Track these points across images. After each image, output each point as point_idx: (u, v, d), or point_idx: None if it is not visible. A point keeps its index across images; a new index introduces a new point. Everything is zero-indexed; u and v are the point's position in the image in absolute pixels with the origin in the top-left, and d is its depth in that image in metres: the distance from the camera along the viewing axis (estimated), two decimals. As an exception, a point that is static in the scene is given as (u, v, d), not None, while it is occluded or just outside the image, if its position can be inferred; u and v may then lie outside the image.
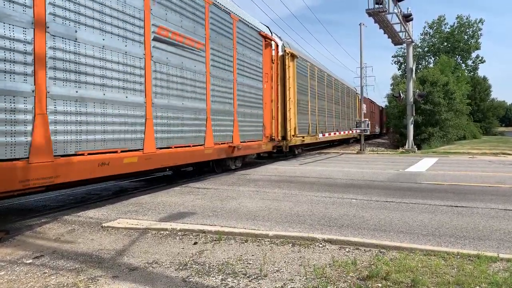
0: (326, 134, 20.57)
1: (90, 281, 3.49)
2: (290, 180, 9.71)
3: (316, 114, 19.23)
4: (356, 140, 31.08)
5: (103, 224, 5.40)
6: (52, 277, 3.59)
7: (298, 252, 4.23)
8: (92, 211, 6.28)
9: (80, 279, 3.53)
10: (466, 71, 49.83)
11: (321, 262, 3.90)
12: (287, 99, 14.93)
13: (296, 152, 18.11)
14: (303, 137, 16.71)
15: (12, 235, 4.98)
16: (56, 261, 4.01)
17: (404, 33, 21.41)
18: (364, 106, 31.01)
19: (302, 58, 17.20)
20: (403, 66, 50.62)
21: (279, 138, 14.41)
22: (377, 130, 37.89)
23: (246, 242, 4.60)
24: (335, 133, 22.29)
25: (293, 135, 15.37)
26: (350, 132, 26.74)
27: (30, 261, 4.05)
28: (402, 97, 22.96)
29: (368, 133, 24.36)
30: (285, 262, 3.92)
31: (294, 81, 15.53)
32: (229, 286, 3.36)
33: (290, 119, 15.07)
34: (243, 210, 6.22)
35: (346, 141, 30.31)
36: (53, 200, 7.76)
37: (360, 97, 27.72)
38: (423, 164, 13.96)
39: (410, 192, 7.91)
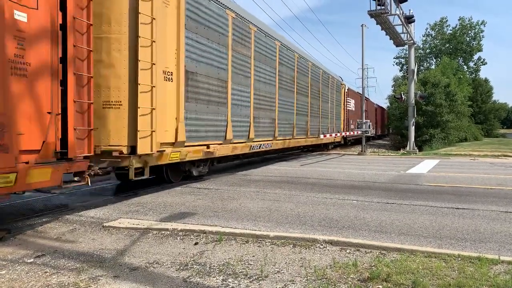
0: (279, 139, 13.31)
1: (91, 280, 3.50)
2: (291, 181, 9.71)
3: (251, 106, 11.42)
4: (337, 145, 24.66)
5: (104, 224, 5.40)
6: (53, 277, 3.59)
7: (299, 253, 4.23)
8: (93, 211, 6.29)
9: (81, 278, 3.54)
10: (467, 73, 49.81)
11: (322, 263, 3.90)
12: (140, 66, 6.81)
13: (195, 173, 9.50)
14: (207, 146, 9.05)
15: (13, 234, 4.99)
16: (57, 261, 4.02)
17: (406, 34, 21.41)
18: (352, 101, 27.11)
19: None
20: (404, 67, 50.65)
21: (122, 150, 6.74)
22: (372, 131, 28.19)
23: (247, 242, 4.61)
24: (287, 139, 14.46)
25: (173, 143, 7.82)
26: (326, 136, 18.85)
27: (31, 260, 4.06)
28: (403, 98, 22.95)
29: (369, 134, 23.85)
30: (286, 263, 3.92)
31: (179, 34, 7.88)
32: (230, 286, 3.36)
33: (154, 109, 7.06)
34: (244, 211, 6.22)
35: (325, 145, 22.19)
36: (54, 199, 7.77)
37: (346, 89, 25.79)
38: (424, 166, 13.94)
39: (411, 193, 7.91)
